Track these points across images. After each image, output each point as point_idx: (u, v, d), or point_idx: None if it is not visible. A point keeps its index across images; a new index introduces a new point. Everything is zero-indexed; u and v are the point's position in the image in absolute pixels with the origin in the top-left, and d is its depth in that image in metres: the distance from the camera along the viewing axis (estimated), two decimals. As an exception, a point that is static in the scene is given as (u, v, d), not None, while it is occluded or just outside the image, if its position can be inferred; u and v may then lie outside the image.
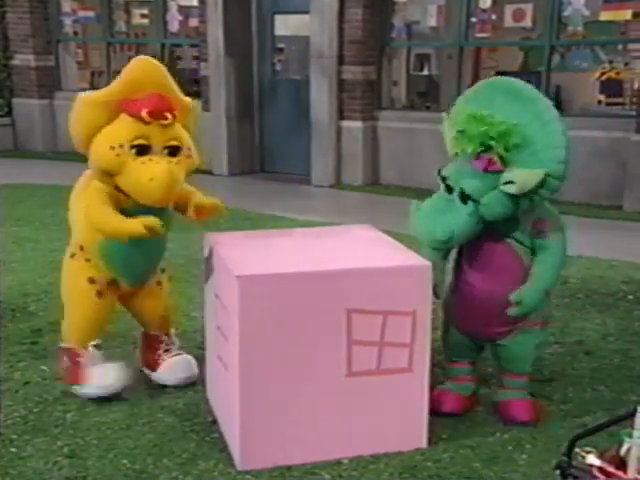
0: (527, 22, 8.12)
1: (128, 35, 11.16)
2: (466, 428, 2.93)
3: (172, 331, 3.34)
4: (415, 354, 2.70)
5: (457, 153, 2.78)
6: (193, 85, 10.13)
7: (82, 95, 2.94)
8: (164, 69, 2.98)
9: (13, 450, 2.75)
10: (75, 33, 11.11)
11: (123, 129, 2.86)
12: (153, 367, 3.27)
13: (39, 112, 10.58)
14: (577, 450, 2.04)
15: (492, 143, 2.65)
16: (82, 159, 3.06)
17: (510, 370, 3.01)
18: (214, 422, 2.95)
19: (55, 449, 2.75)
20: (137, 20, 11.00)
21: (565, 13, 7.58)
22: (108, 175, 2.90)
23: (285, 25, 9.25)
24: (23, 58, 10.64)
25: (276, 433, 2.64)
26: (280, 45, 9.44)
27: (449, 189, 2.76)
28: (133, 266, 3.08)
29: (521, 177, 2.61)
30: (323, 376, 2.64)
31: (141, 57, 2.99)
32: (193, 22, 9.74)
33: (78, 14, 10.91)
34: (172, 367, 3.23)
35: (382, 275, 2.69)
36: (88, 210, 2.95)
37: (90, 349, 3.08)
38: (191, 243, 5.34)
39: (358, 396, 2.68)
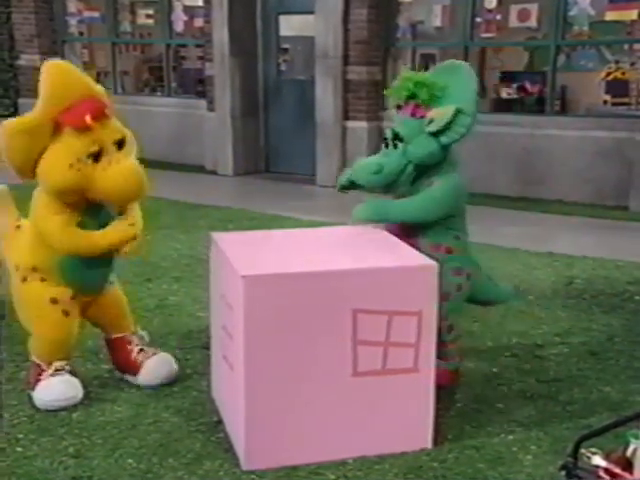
0: (532, 22, 8.10)
1: (133, 35, 11.18)
2: (471, 429, 2.93)
3: (138, 328, 3.34)
4: (420, 354, 2.70)
5: (396, 110, 3.18)
6: (198, 85, 10.17)
7: (8, 124, 2.80)
8: (72, 67, 2.87)
9: (19, 449, 2.75)
10: (80, 33, 11.14)
11: (74, 143, 2.78)
12: (133, 371, 3.25)
13: (45, 112, 10.59)
14: (583, 451, 2.03)
15: (414, 90, 3.06)
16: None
17: None
18: (219, 422, 2.95)
19: (61, 449, 2.76)
20: (142, 20, 11.01)
21: (571, 13, 7.57)
22: (72, 193, 2.83)
23: (290, 25, 9.24)
24: (29, 58, 10.67)
25: (281, 433, 2.64)
26: (285, 45, 9.44)
27: (387, 146, 3.12)
28: (92, 276, 3.08)
29: (438, 113, 3.02)
30: (328, 376, 2.64)
31: (50, 64, 2.82)
32: (198, 22, 9.74)
33: (83, 14, 10.94)
34: (153, 368, 3.22)
35: (388, 275, 2.69)
36: (53, 237, 2.91)
37: (53, 368, 3.04)
38: (196, 243, 5.37)
39: (363, 396, 2.68)
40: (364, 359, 2.65)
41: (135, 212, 3.05)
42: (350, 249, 2.96)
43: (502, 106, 9.04)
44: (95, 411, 3.03)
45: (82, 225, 2.94)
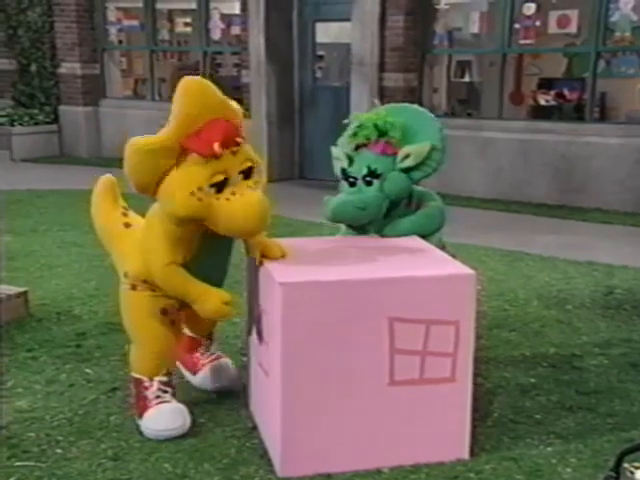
0: (572, 28, 8.00)
1: (171, 43, 11.34)
2: (509, 440, 2.89)
3: (212, 333, 3.34)
4: (458, 364, 2.67)
5: (357, 148, 3.24)
6: (234, 92, 10.25)
7: (136, 142, 2.61)
8: (210, 84, 2.64)
9: (59, 451, 2.79)
10: (120, 42, 11.32)
11: (198, 170, 2.57)
12: (192, 369, 3.28)
13: (84, 119, 10.79)
14: (625, 465, 1.98)
15: (383, 129, 3.18)
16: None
17: None
18: (254, 428, 2.96)
19: (99, 451, 2.79)
20: (180, 28, 11.17)
21: (612, 19, 7.46)
22: (191, 222, 2.65)
23: (326, 32, 9.28)
24: (70, 66, 10.87)
25: (317, 440, 2.64)
26: (321, 52, 9.47)
27: (352, 184, 3.23)
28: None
29: (415, 150, 3.17)
30: (365, 384, 2.63)
31: (186, 82, 2.60)
32: (235, 30, 9.84)
33: (123, 23, 11.12)
34: (213, 373, 3.24)
35: (425, 284, 2.67)
36: (165, 278, 2.80)
37: (156, 383, 2.94)
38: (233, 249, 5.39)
39: (400, 405, 2.66)
40: (401, 368, 2.63)
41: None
42: (387, 257, 2.94)
43: (540, 113, 8.95)
44: (132, 415, 3.05)
45: (197, 260, 2.80)
